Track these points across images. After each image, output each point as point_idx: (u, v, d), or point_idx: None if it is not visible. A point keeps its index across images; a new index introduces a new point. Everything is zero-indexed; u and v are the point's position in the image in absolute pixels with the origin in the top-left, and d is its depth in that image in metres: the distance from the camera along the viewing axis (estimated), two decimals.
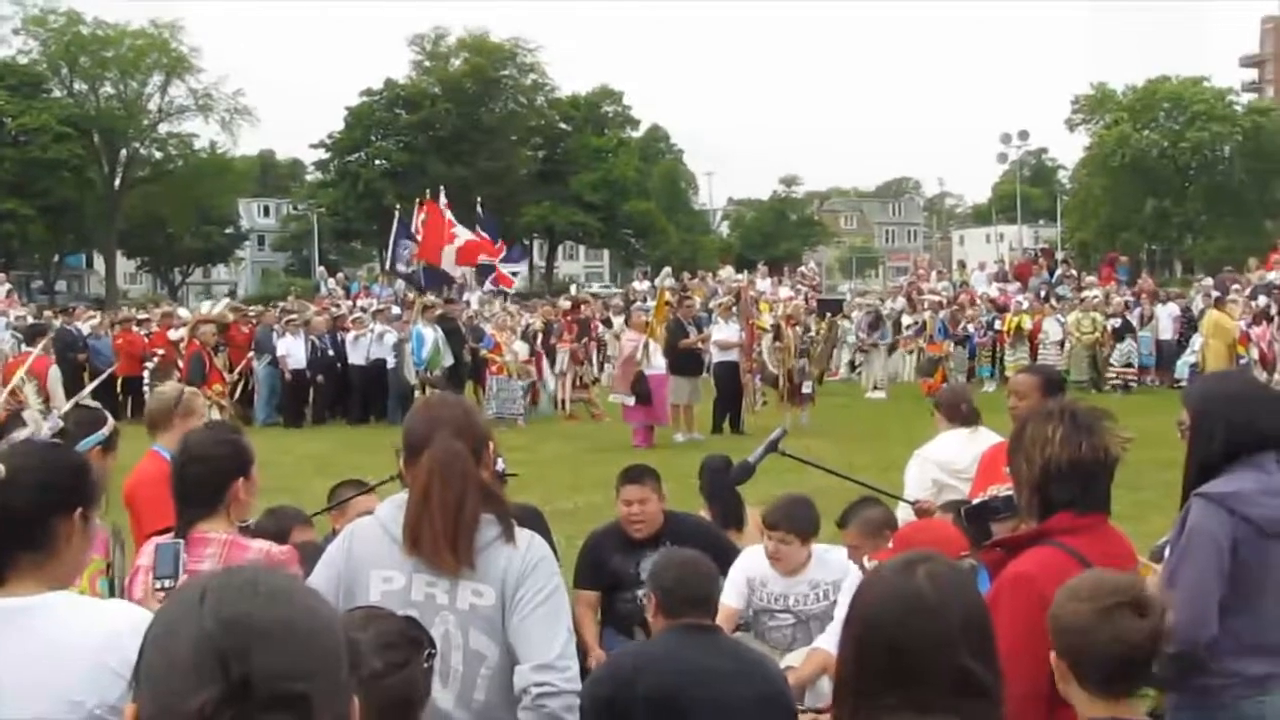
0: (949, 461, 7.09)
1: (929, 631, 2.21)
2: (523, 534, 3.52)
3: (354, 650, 2.03)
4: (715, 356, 20.96)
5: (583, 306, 27.46)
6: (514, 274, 25.57)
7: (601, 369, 26.69)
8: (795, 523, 5.92)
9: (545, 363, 23.81)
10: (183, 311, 27.87)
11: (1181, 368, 25.62)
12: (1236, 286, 29.15)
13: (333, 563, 3.59)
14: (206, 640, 1.41)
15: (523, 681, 3.35)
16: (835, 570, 5.93)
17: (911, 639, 2.22)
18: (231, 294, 59.25)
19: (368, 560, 3.52)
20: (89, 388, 9.32)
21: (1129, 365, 26.66)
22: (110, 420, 5.08)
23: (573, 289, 33.88)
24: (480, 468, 3.52)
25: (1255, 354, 24.86)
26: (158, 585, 3.59)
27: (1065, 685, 3.11)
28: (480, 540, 3.44)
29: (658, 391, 18.94)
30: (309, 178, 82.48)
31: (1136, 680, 3.09)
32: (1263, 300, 27.00)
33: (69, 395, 10.25)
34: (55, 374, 20.98)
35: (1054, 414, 3.73)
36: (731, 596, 6.01)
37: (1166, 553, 4.19)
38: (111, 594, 4.24)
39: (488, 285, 25.46)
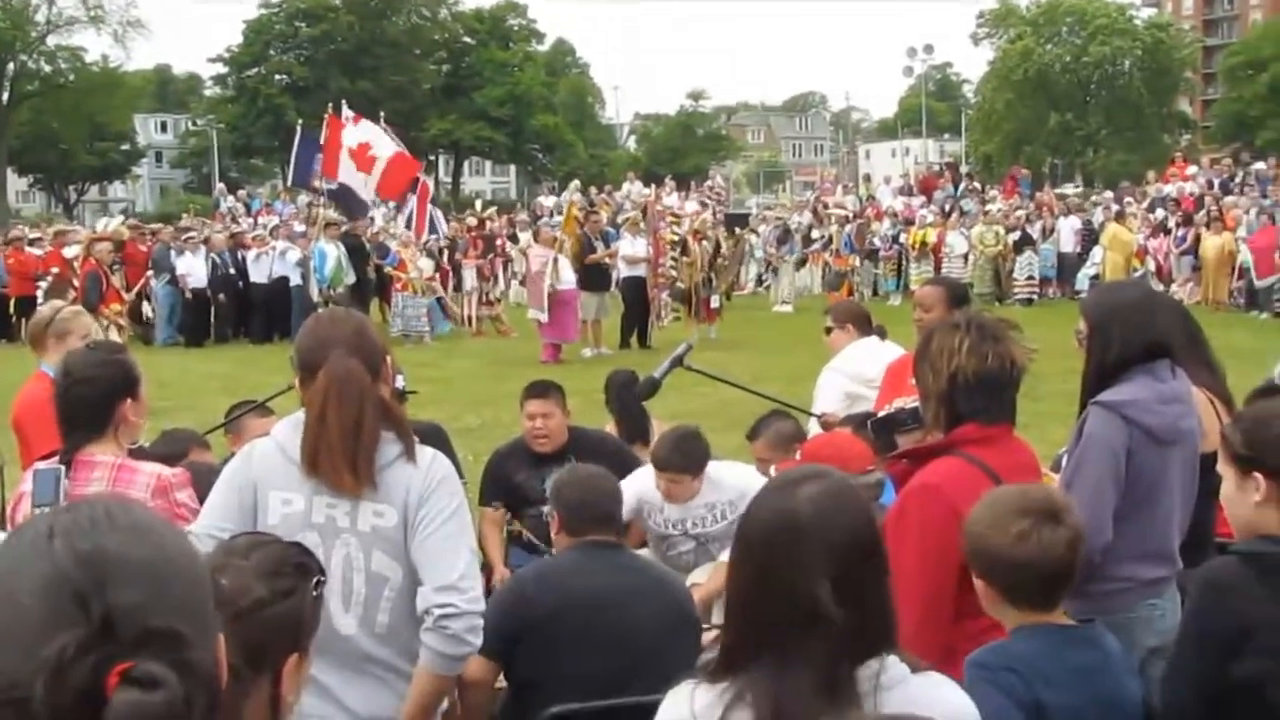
0: (860, 372, 7.04)
1: (792, 554, 2.17)
2: (424, 452, 3.45)
3: (219, 585, 1.96)
4: (622, 271, 20.93)
5: (488, 223, 27.24)
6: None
7: (508, 285, 26.52)
8: (687, 462, 5.84)
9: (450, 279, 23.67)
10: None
11: (1082, 279, 26.03)
12: (1129, 200, 29.59)
13: (231, 485, 3.49)
14: (61, 579, 1.27)
15: (425, 603, 3.30)
16: (729, 489, 5.88)
17: (776, 560, 2.19)
18: (125, 212, 57.87)
19: (266, 483, 3.44)
20: None
21: (1030, 278, 27.04)
22: None
23: (478, 204, 33.42)
24: (378, 384, 3.43)
25: (1152, 266, 25.33)
26: (37, 512, 3.47)
27: (993, 605, 3.12)
28: (381, 460, 3.37)
29: (567, 307, 18.87)
30: (207, 93, 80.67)
31: (1066, 587, 3.12)
32: (1160, 213, 27.44)
33: None
34: None
35: (960, 325, 3.72)
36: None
37: (1064, 461, 4.23)
38: None
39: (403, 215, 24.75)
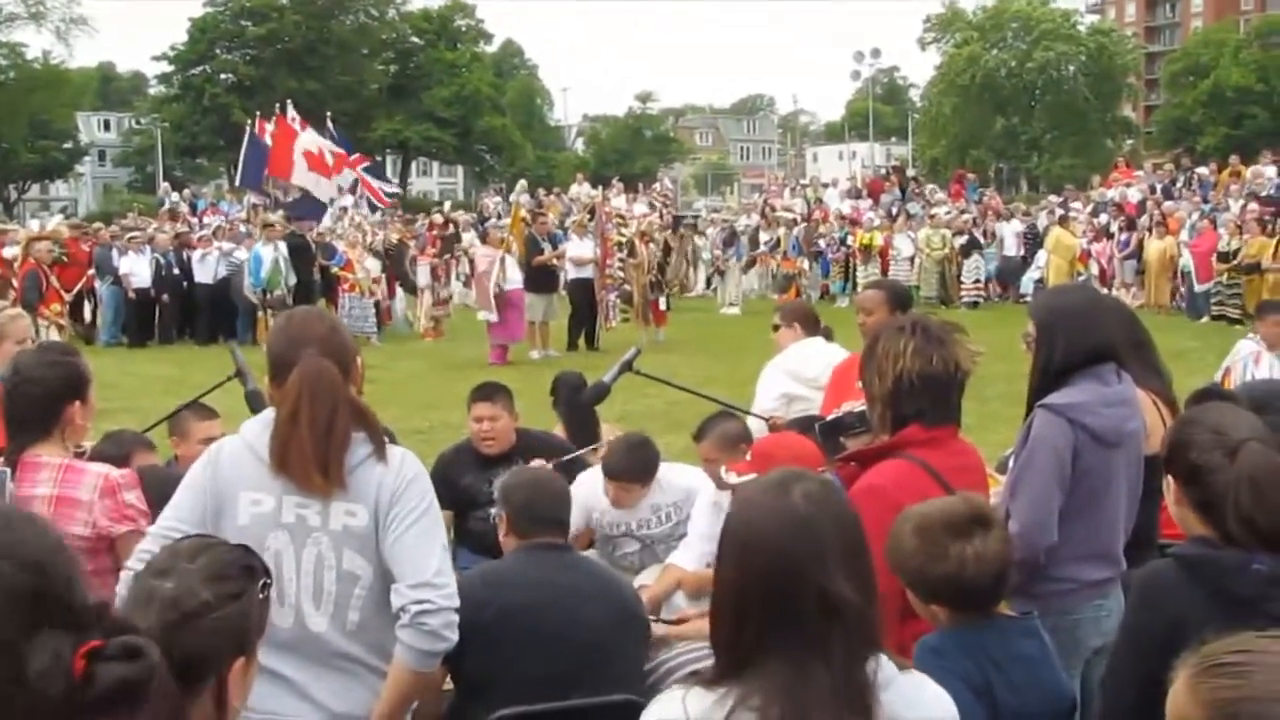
0: (800, 371, 7.08)
1: (804, 550, 2.19)
2: (394, 451, 3.48)
3: (164, 588, 1.98)
4: (570, 273, 20.90)
5: (450, 224, 27.10)
6: (390, 194, 24.89)
7: (466, 284, 26.40)
8: (638, 471, 5.85)
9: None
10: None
11: (1026, 283, 26.28)
12: (1076, 205, 29.85)
13: (198, 485, 3.48)
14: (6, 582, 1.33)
15: (401, 600, 3.32)
16: (674, 491, 5.90)
17: (788, 559, 2.19)
18: (65, 211, 57.24)
19: (235, 482, 3.43)
20: None
21: (977, 281, 27.27)
22: None
23: (446, 205, 33.26)
24: (349, 384, 3.45)
25: (1095, 270, 25.58)
26: None
27: (942, 619, 3.18)
28: (351, 459, 3.38)
29: (514, 307, 18.82)
30: (152, 91, 79.85)
31: (1008, 582, 3.20)
32: (1103, 218, 27.71)
33: None
34: None
35: (906, 328, 3.76)
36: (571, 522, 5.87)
37: (1010, 463, 4.27)
38: None
39: (355, 200, 24.67)
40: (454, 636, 3.38)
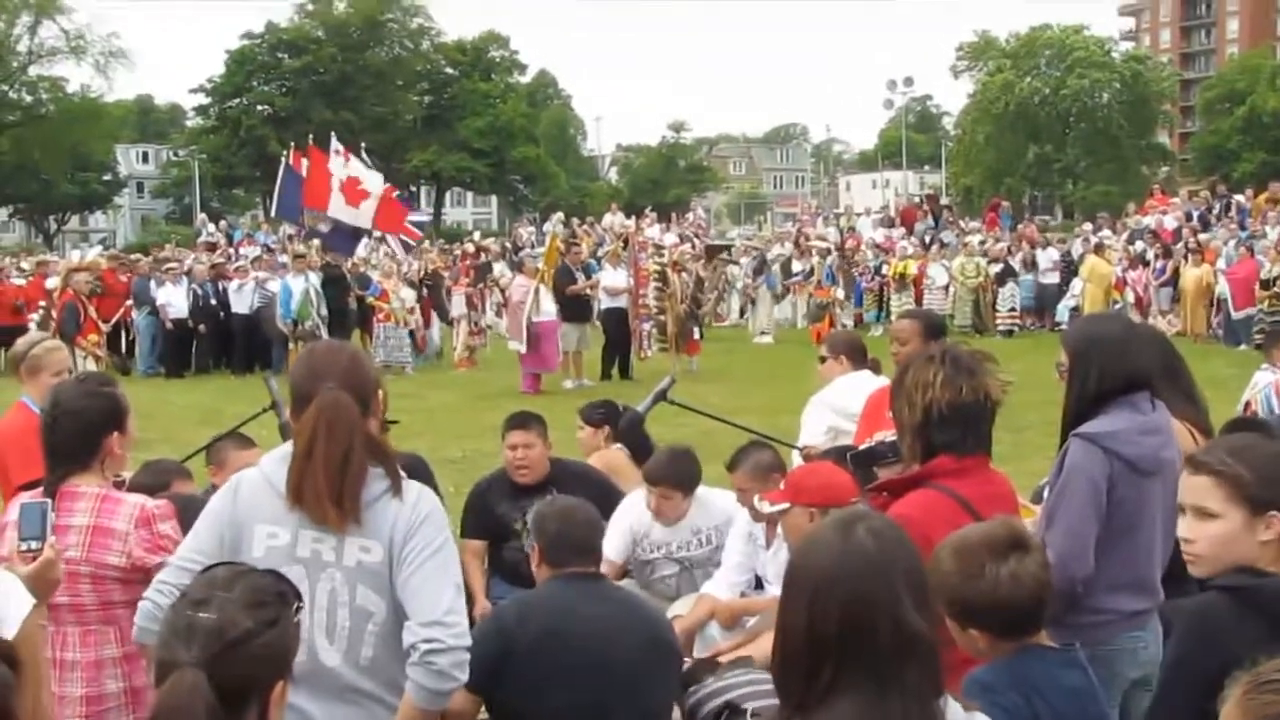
0: (845, 405, 6.93)
1: (877, 587, 2.20)
2: (411, 487, 3.45)
3: (204, 619, 1.99)
4: (604, 302, 20.94)
5: (482, 253, 27.21)
6: (415, 223, 24.66)
7: (498, 314, 26.50)
8: (679, 478, 5.87)
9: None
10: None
11: (1062, 311, 26.14)
12: (1106, 233, 29.68)
13: (217, 516, 3.49)
14: None
15: (411, 638, 3.30)
16: (716, 514, 5.92)
17: (861, 598, 2.19)
18: (104, 243, 57.81)
19: (252, 515, 3.44)
20: None
21: (1012, 309, 27.15)
22: None
23: (476, 235, 33.48)
24: (369, 418, 3.44)
25: (1131, 298, 25.43)
26: (23, 547, 3.43)
27: (983, 647, 3.15)
28: (367, 495, 3.37)
29: (548, 338, 18.86)
30: (189, 123, 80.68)
31: (1047, 606, 3.17)
32: (1139, 245, 27.56)
33: None
34: None
35: (935, 358, 3.76)
36: (613, 549, 5.86)
37: (1045, 493, 4.24)
38: None
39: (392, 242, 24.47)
40: (463, 676, 3.36)
